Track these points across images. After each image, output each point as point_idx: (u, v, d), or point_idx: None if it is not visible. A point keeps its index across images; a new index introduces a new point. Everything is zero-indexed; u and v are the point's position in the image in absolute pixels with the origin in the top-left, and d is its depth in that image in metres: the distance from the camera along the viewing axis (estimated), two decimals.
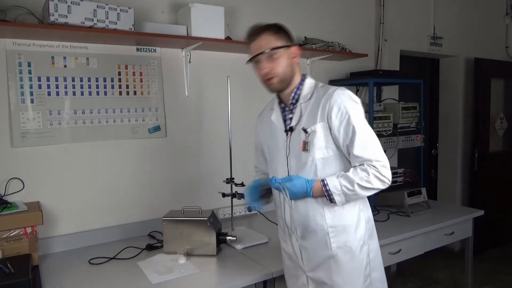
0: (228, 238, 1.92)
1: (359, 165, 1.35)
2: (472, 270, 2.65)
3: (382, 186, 1.36)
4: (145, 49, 2.23)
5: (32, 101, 1.92)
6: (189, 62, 2.32)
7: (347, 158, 1.41)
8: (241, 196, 2.03)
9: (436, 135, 4.19)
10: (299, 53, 1.45)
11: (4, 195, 1.87)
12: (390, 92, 3.32)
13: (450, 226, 2.46)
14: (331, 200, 1.36)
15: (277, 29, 1.41)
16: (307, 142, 1.40)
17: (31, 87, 1.92)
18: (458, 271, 3.53)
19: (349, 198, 1.36)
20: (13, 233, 1.72)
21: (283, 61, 1.40)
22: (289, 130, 1.46)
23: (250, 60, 1.44)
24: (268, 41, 1.39)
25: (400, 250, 2.20)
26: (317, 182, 1.37)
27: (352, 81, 2.96)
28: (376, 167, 1.34)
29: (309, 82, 1.48)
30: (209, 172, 2.44)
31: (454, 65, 4.02)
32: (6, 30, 1.74)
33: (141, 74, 2.22)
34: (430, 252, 2.43)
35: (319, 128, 1.38)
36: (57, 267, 1.79)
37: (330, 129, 1.38)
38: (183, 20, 2.20)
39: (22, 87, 1.90)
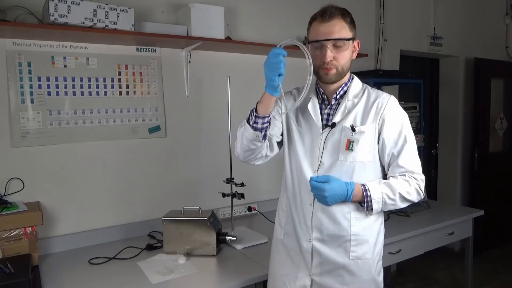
0: (228, 238, 1.92)
1: (400, 175, 1.33)
2: (472, 270, 2.65)
3: (416, 200, 1.36)
4: (145, 49, 2.23)
5: (32, 101, 1.92)
6: (189, 62, 2.32)
7: (379, 168, 1.39)
8: (241, 196, 2.03)
9: (436, 135, 4.19)
10: (357, 48, 1.38)
11: (4, 195, 1.87)
12: (390, 92, 3.27)
13: (450, 226, 2.46)
14: (368, 208, 1.30)
15: (351, 19, 1.33)
16: (352, 141, 1.32)
17: (31, 87, 1.92)
18: (458, 271, 3.53)
19: (386, 207, 1.32)
20: (13, 233, 1.72)
21: (348, 54, 1.32)
22: (331, 126, 1.36)
23: (315, 42, 1.31)
24: (341, 28, 1.29)
25: (400, 250, 2.20)
26: (357, 186, 1.29)
27: None
28: (418, 181, 1.34)
29: (358, 81, 1.44)
30: (209, 172, 2.44)
31: (454, 65, 4.02)
32: (6, 30, 1.74)
33: (141, 74, 2.22)
34: (430, 252, 2.43)
35: (369, 130, 1.33)
36: (57, 267, 1.79)
37: (379, 134, 1.35)
38: (183, 20, 2.20)
39: (22, 87, 1.90)
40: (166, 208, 2.05)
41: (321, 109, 1.42)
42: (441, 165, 4.19)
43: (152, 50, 2.25)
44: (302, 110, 1.44)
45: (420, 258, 2.49)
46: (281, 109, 1.45)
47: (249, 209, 2.55)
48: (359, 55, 3.00)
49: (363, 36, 3.18)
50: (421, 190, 1.34)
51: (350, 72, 1.43)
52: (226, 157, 2.12)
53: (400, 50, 3.44)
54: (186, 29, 2.16)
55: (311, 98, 1.43)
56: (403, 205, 1.34)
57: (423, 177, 1.36)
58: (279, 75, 1.22)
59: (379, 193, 1.29)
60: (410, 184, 1.32)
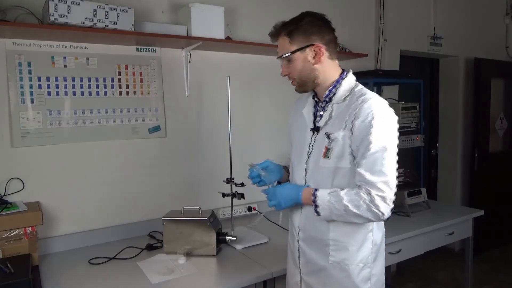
0: (228, 238, 1.92)
1: (358, 187, 1.25)
2: (472, 270, 2.65)
3: (373, 218, 1.24)
4: (145, 49, 2.23)
5: (32, 101, 1.92)
6: (189, 62, 2.32)
7: None
8: (241, 196, 2.03)
9: (436, 135, 4.19)
10: (321, 51, 1.30)
11: (4, 195, 1.87)
12: (390, 92, 3.31)
13: (450, 226, 2.45)
14: (317, 212, 1.30)
15: (292, 30, 1.31)
16: (329, 149, 1.30)
17: (31, 87, 1.92)
18: (458, 271, 3.53)
19: (336, 217, 1.28)
20: (13, 233, 1.72)
21: (297, 65, 1.32)
22: (316, 129, 1.37)
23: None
24: (282, 45, 1.33)
25: (400, 250, 2.20)
26: (308, 189, 1.32)
27: None
28: (373, 196, 1.21)
29: (348, 81, 1.36)
30: (209, 172, 2.43)
31: (454, 65, 4.02)
32: (6, 30, 1.74)
33: (141, 74, 2.22)
34: (430, 252, 2.43)
35: (341, 137, 1.28)
36: (57, 267, 1.79)
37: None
38: (183, 20, 2.20)
39: (22, 87, 1.90)
40: (166, 208, 2.05)
41: (316, 111, 1.43)
42: (441, 165, 4.19)
43: (152, 50, 2.25)
44: (300, 115, 1.48)
45: (420, 258, 2.49)
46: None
47: (249, 209, 2.55)
48: (359, 55, 3.03)
49: (363, 36, 3.18)
50: (376, 208, 1.21)
51: (346, 71, 1.39)
52: (226, 157, 2.12)
53: (400, 50, 3.44)
54: (186, 29, 2.16)
55: (308, 101, 1.46)
56: (354, 219, 1.25)
57: (385, 194, 1.21)
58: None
59: (327, 201, 1.26)
60: (360, 198, 1.21)
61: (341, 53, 2.76)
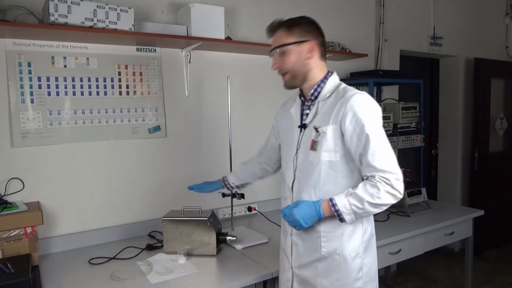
0: (228, 238, 1.92)
1: (369, 180, 1.29)
2: (472, 270, 2.65)
3: (394, 201, 1.28)
4: (145, 49, 2.23)
5: (32, 101, 1.92)
6: (189, 62, 2.32)
7: (355, 166, 1.35)
8: (241, 196, 2.03)
9: (436, 135, 4.19)
10: (315, 48, 1.38)
11: (4, 195, 1.87)
12: (390, 92, 3.32)
13: (450, 226, 2.45)
14: (341, 220, 1.31)
15: (292, 25, 1.39)
16: (316, 142, 1.37)
17: (31, 87, 1.92)
18: (458, 271, 3.53)
19: (360, 216, 1.31)
20: (13, 233, 1.72)
21: (292, 58, 1.38)
22: (302, 126, 1.43)
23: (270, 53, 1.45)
24: (279, 38, 1.40)
25: (400, 250, 2.20)
26: (324, 202, 1.32)
27: (352, 81, 2.96)
28: (389, 179, 1.26)
29: (332, 80, 1.42)
30: (209, 172, 2.43)
31: (454, 65, 4.02)
32: (6, 30, 1.74)
33: (141, 74, 2.22)
34: (430, 252, 2.43)
35: (330, 131, 1.34)
36: (57, 267, 1.79)
37: (343, 134, 1.33)
38: (183, 20, 2.20)
39: (22, 87, 1.90)
40: (166, 208, 2.05)
41: (303, 110, 1.48)
42: (441, 165, 4.19)
43: (152, 50, 2.25)
44: (288, 115, 1.54)
45: (420, 258, 2.49)
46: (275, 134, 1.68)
47: (249, 209, 2.55)
48: (359, 55, 3.02)
49: (363, 36, 3.18)
50: (396, 190, 1.27)
51: (330, 71, 1.45)
52: (226, 157, 2.12)
53: (400, 50, 3.44)
54: (186, 29, 2.16)
55: (295, 102, 1.52)
56: (378, 210, 1.29)
57: (397, 175, 1.28)
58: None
59: (347, 205, 1.28)
60: (379, 189, 1.26)
61: (341, 53, 2.76)
